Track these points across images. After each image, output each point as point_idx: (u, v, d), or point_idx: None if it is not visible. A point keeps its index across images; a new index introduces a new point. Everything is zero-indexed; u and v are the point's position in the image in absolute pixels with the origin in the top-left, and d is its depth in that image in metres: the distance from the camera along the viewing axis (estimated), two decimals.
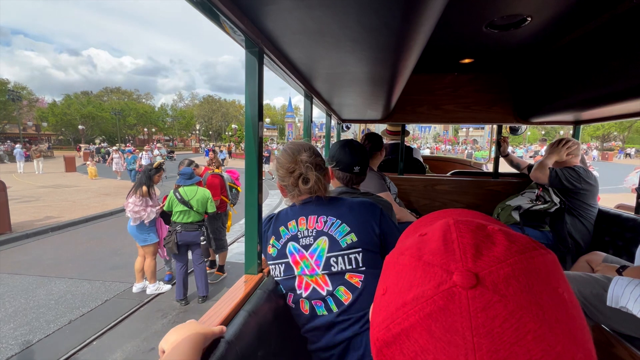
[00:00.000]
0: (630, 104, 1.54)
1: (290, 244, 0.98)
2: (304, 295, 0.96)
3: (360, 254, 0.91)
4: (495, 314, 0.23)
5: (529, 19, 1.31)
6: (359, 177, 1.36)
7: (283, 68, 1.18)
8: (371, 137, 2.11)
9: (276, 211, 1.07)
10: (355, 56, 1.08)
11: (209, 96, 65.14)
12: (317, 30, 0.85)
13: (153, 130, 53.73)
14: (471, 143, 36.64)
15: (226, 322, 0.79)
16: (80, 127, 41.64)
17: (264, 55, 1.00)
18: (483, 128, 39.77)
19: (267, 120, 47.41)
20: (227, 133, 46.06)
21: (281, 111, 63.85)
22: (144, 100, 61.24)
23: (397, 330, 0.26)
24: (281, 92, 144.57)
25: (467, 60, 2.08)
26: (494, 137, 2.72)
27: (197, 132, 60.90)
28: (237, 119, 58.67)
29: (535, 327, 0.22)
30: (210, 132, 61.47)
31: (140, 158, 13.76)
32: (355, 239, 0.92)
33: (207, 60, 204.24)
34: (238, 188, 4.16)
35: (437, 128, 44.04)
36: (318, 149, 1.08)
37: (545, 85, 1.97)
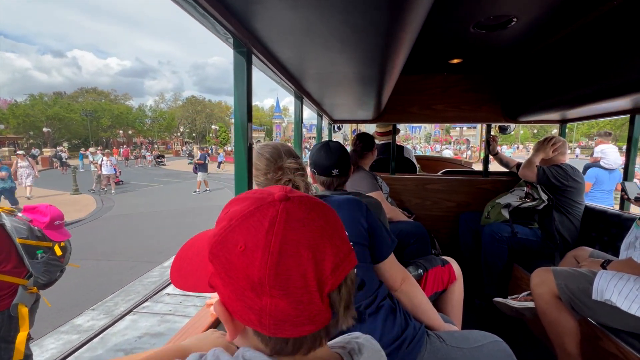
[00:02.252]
0: (614, 103, 1.59)
1: None
2: None
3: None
4: (295, 213, 0.35)
5: (515, 19, 1.33)
6: (340, 179, 1.32)
7: (272, 68, 1.17)
8: (362, 137, 2.12)
9: None
10: (344, 56, 1.08)
11: (192, 96, 63.33)
12: (305, 30, 0.85)
13: (130, 132, 50.66)
14: (465, 143, 37.18)
15: (214, 324, 0.80)
16: (44, 129, 37.24)
17: (253, 55, 0.99)
18: (475, 127, 40.69)
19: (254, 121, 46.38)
20: (211, 135, 44.97)
21: (270, 112, 62.27)
22: (121, 101, 58.37)
23: (227, 231, 0.35)
24: (271, 94, 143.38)
25: (456, 61, 2.10)
26: (483, 136, 2.77)
27: (180, 134, 58.92)
28: (222, 119, 57.23)
29: (321, 223, 0.36)
30: (194, 134, 60.07)
31: (100, 166, 11.31)
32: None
33: (196, 62, 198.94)
34: (55, 245, 1.69)
35: (428, 128, 43.96)
36: (299, 150, 1.06)
37: (531, 85, 2.01)
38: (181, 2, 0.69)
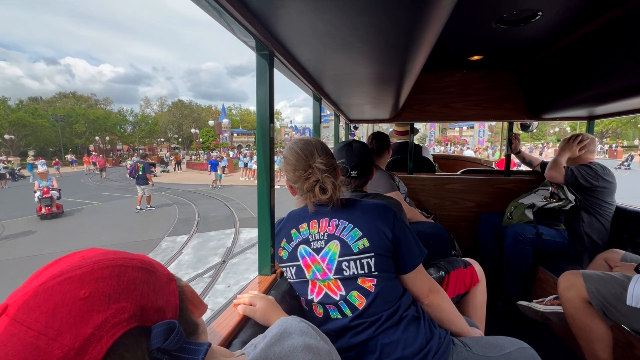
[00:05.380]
0: None
1: (301, 247, 0.96)
2: (315, 300, 0.94)
3: (373, 259, 0.89)
4: None
5: (540, 13, 1.29)
6: (359, 181, 1.34)
7: (293, 70, 1.18)
8: (378, 136, 2.09)
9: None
10: (365, 57, 1.08)
11: (179, 100, 60.87)
12: (326, 32, 0.85)
13: (107, 138, 46.30)
14: (466, 143, 36.93)
15: (241, 323, 0.81)
16: (6, 136, 33.78)
17: (274, 58, 1.00)
18: (472, 127, 40.02)
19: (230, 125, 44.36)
20: (198, 140, 43.21)
21: None
22: (102, 105, 54.62)
23: None
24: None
25: (476, 57, 2.05)
26: (505, 134, 2.71)
27: (167, 139, 55.83)
28: (208, 124, 56.38)
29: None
30: (181, 139, 57.15)
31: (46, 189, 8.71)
32: (367, 244, 0.90)
33: (189, 68, 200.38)
34: None
35: (423, 129, 41.31)
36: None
37: (557, 81, 1.94)
38: (206, 7, 0.70)
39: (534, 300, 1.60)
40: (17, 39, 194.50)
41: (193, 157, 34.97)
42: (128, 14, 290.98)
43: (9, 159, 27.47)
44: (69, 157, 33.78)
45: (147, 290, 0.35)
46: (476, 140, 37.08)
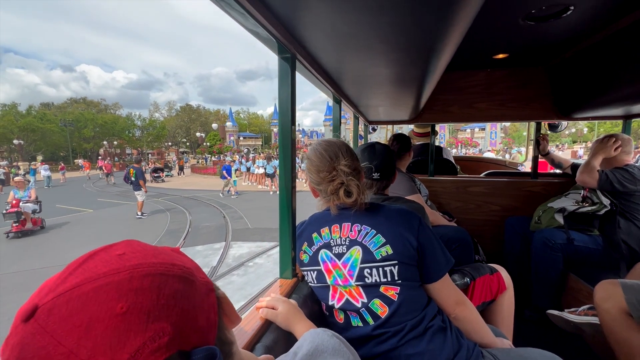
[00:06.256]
0: None
1: (323, 252, 0.94)
2: (336, 306, 0.92)
3: (396, 266, 0.87)
4: None
5: (572, 8, 1.22)
6: (381, 183, 1.33)
7: (314, 72, 1.18)
8: (399, 137, 2.07)
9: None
10: (387, 57, 1.07)
11: (187, 105, 62.21)
12: (349, 33, 0.85)
13: (115, 143, 47.90)
14: (477, 145, 36.30)
15: (263, 327, 0.80)
16: (15, 141, 34.90)
17: (296, 60, 1.01)
18: (484, 129, 39.59)
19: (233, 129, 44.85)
20: (206, 143, 43.34)
21: (270, 120, 60.36)
22: (111, 110, 56.35)
23: None
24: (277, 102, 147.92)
25: (501, 56, 1.99)
26: (532, 134, 2.63)
27: (173, 143, 56.85)
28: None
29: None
30: (189, 143, 58.81)
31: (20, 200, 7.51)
32: (390, 251, 0.87)
33: (200, 73, 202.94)
34: None
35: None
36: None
37: (590, 78, 1.85)
38: (230, 11, 0.71)
39: (565, 310, 1.52)
40: (35, 48, 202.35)
41: (200, 161, 35.10)
42: (141, 23, 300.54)
43: (18, 163, 28.30)
44: (79, 161, 34.42)
45: (188, 307, 0.31)
46: (488, 142, 36.52)
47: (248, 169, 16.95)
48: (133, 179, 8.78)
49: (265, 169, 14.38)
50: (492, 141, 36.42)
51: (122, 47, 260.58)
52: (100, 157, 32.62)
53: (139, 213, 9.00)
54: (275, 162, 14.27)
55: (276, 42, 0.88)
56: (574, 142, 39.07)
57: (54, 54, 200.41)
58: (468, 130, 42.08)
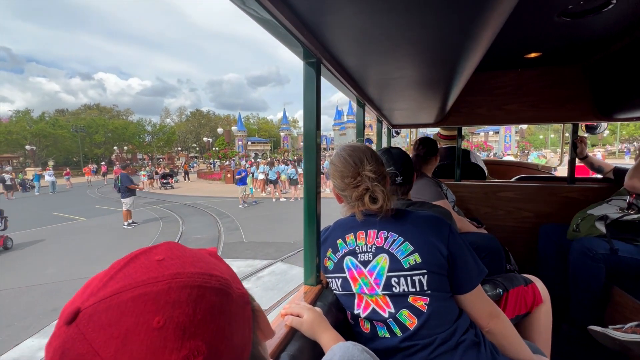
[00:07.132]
0: None
1: (348, 259, 0.92)
2: (362, 315, 0.89)
3: (425, 276, 0.82)
4: None
5: (614, 1, 1.16)
6: (404, 187, 1.29)
7: (338, 76, 1.17)
8: (425, 141, 2.02)
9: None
10: (414, 59, 1.05)
11: (197, 110, 63.64)
12: (375, 35, 0.83)
13: (125, 148, 47.52)
14: (492, 149, 35.80)
15: (288, 336, 0.79)
16: (28, 147, 35.07)
17: (321, 65, 1.00)
18: (498, 132, 38.59)
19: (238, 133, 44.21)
20: (215, 148, 43.64)
21: (278, 124, 60.18)
22: (123, 116, 57.14)
23: None
24: (287, 107, 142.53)
25: (533, 55, 1.91)
26: (567, 137, 2.57)
27: (186, 148, 57.95)
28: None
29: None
30: (198, 148, 59.47)
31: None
32: (419, 260, 0.82)
33: (212, 79, 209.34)
34: None
35: (432, 135, 40.96)
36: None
37: (635, 76, 1.73)
38: (256, 16, 0.70)
39: (610, 327, 1.42)
40: (56, 57, 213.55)
41: (208, 166, 35.32)
42: (156, 31, 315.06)
43: (28, 169, 28.64)
44: (91, 166, 35.16)
45: (223, 323, 0.30)
46: (502, 146, 35.98)
47: (252, 175, 16.88)
48: (120, 185, 8.39)
49: (267, 174, 13.60)
50: (506, 145, 35.83)
51: (138, 55, 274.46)
52: (103, 163, 32.82)
53: (125, 223, 8.61)
54: (279, 167, 13.76)
55: (302, 47, 0.88)
56: (593, 146, 37.06)
57: (73, 62, 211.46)
58: (482, 134, 41.50)
